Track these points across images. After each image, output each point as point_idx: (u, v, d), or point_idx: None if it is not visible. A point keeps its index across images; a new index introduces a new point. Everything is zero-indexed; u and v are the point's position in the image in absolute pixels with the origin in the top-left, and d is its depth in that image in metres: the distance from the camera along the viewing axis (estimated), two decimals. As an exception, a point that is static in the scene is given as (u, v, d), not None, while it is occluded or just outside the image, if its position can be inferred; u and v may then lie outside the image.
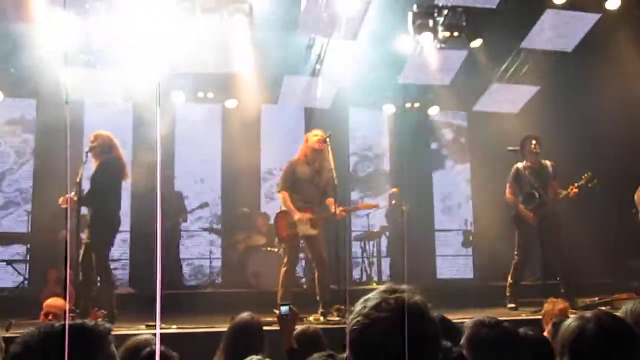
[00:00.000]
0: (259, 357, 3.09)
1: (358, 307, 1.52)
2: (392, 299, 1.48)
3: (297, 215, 7.12)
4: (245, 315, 4.20)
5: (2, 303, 7.87)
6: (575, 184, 7.51)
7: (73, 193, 6.48)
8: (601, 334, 2.15)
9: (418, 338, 1.45)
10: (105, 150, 6.81)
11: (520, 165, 7.80)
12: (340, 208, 7.16)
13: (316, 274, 7.21)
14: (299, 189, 7.24)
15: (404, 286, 1.52)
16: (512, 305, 7.59)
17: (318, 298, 7.05)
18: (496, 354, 2.66)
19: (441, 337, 1.52)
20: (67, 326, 1.54)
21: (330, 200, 7.23)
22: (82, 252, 6.54)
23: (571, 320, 2.24)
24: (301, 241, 7.30)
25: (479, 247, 11.67)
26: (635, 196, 7.00)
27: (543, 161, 7.88)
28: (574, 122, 10.54)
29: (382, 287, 1.55)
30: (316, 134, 7.26)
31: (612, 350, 2.13)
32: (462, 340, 2.76)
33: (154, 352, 3.28)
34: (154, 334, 4.01)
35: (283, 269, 7.25)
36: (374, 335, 1.45)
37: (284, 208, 7.29)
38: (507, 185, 7.94)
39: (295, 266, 7.63)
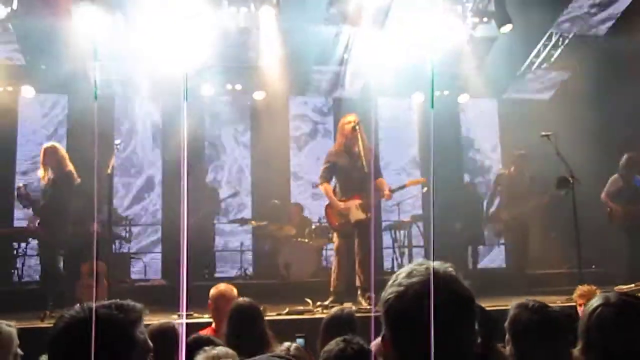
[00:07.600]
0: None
1: (390, 281, 1.54)
2: (422, 268, 1.51)
3: (341, 205, 7.03)
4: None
5: (38, 295, 7.97)
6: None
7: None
8: (616, 316, 2.08)
9: (450, 301, 1.46)
10: (60, 164, 7.27)
11: (505, 171, 9.56)
12: (387, 190, 7.05)
13: (357, 261, 7.04)
14: (343, 178, 7.14)
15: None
16: None
17: (358, 284, 6.98)
18: (538, 338, 2.61)
19: (475, 302, 1.52)
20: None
21: (380, 180, 7.10)
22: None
23: (592, 302, 2.19)
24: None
25: (512, 236, 11.48)
26: None
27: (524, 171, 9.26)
28: (607, 107, 10.32)
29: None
30: (349, 121, 7.07)
31: (628, 331, 2.07)
32: (505, 323, 2.73)
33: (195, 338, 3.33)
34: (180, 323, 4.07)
35: (335, 259, 7.15)
36: (407, 300, 1.47)
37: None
38: (493, 185, 10.02)
39: (347, 255, 7.15)
